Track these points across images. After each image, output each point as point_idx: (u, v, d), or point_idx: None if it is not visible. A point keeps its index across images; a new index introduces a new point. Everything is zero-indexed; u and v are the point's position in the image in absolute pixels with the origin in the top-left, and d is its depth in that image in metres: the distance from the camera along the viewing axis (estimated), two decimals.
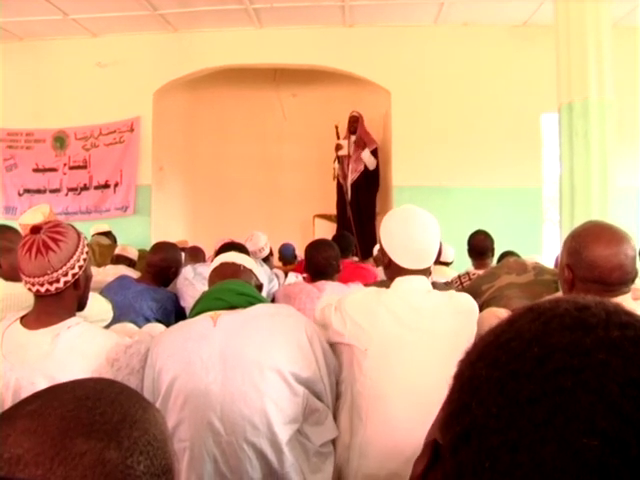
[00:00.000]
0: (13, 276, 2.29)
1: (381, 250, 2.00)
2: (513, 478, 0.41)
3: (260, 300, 1.90)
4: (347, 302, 1.94)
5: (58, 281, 1.66)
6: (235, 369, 1.65)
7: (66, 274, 1.67)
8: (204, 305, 1.86)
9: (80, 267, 1.71)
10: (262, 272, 3.34)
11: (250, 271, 2.12)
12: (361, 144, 6.97)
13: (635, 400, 0.40)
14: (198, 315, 1.83)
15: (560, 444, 0.40)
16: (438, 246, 1.97)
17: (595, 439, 0.39)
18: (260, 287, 2.12)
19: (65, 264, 1.66)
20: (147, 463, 0.60)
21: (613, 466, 0.38)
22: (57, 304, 1.70)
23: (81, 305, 1.83)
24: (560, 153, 3.74)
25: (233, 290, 1.87)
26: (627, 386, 0.40)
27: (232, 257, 2.15)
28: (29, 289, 1.68)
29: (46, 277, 1.64)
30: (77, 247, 1.71)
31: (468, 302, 1.94)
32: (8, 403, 1.58)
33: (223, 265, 2.11)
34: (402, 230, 1.93)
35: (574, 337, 0.44)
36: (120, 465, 0.58)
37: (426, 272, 1.96)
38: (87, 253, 1.76)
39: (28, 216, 3.41)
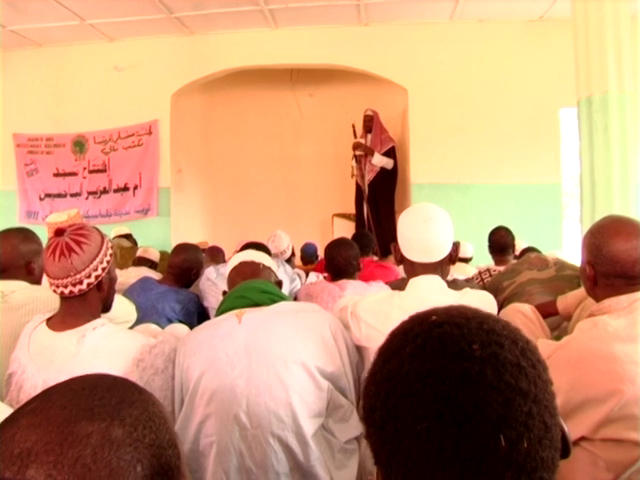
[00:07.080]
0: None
1: (395, 246, 2.00)
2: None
3: (283, 298, 1.92)
4: (360, 307, 1.95)
5: (81, 283, 1.68)
6: (260, 363, 1.67)
7: (89, 276, 1.69)
8: (229, 304, 1.88)
9: (103, 269, 1.73)
10: (281, 270, 3.35)
11: (269, 269, 2.14)
12: (369, 150, 6.82)
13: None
14: (223, 314, 1.85)
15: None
16: (448, 239, 1.91)
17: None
18: (280, 283, 2.13)
19: (88, 266, 1.68)
20: (152, 436, 0.63)
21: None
22: (81, 306, 1.72)
23: (106, 307, 1.85)
24: (580, 148, 3.70)
25: (256, 288, 1.90)
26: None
27: (251, 255, 2.16)
28: (54, 291, 1.70)
29: (69, 279, 1.66)
30: (100, 249, 1.72)
31: (483, 299, 1.91)
32: None
33: (242, 264, 2.13)
34: (407, 224, 1.93)
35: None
36: (127, 439, 0.61)
37: (439, 269, 1.93)
38: (111, 255, 1.77)
39: (55, 216, 3.50)
